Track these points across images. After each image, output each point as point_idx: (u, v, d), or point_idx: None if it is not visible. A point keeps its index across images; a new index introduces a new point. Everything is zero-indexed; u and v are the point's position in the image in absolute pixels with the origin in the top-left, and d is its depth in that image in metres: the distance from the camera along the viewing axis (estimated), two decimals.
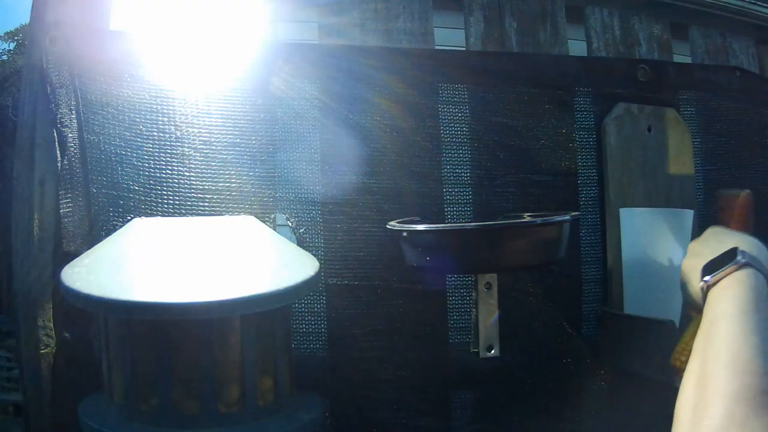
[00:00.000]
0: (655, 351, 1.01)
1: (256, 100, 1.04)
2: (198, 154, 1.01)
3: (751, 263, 0.63)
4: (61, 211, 0.96)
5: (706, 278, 0.65)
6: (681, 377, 0.60)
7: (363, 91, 1.08)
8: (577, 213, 1.12)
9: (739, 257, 0.63)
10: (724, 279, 0.63)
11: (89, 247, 0.89)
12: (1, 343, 3.78)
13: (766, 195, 1.23)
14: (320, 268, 0.84)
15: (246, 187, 1.02)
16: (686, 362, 0.61)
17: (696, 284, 0.68)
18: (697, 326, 0.76)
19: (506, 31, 1.21)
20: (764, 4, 1.51)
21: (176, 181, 1.00)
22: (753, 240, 0.69)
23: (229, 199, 1.02)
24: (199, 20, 1.07)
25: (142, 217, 0.91)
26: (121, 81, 0.99)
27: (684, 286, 0.76)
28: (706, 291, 0.65)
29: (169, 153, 1.00)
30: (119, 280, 0.76)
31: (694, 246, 0.77)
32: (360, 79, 1.08)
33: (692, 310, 0.78)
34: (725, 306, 0.61)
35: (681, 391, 0.58)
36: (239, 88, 1.03)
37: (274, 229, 1.01)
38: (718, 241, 0.72)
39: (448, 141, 1.11)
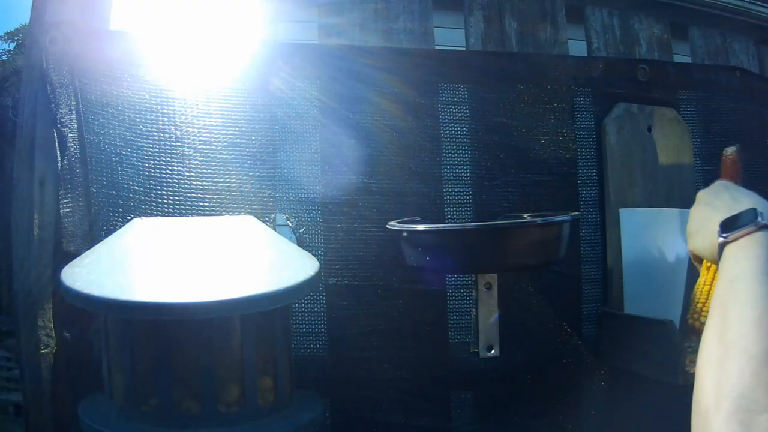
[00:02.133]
0: (655, 351, 1.01)
1: (256, 100, 1.04)
2: (198, 154, 1.01)
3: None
4: (61, 211, 0.96)
5: (725, 235, 0.65)
6: (696, 340, 0.60)
7: (363, 91, 1.08)
8: (577, 213, 1.12)
9: (759, 219, 0.63)
10: (744, 238, 0.63)
11: (89, 247, 0.89)
12: (1, 343, 3.78)
13: (766, 195, 1.23)
14: (320, 268, 0.84)
15: (246, 187, 1.02)
16: (703, 323, 0.61)
17: (710, 236, 0.69)
18: (706, 283, 0.75)
19: (506, 31, 1.21)
20: (764, 4, 1.51)
21: (176, 181, 1.00)
22: (765, 201, 0.70)
23: (229, 199, 1.02)
24: (199, 20, 1.07)
25: (142, 217, 0.91)
26: (121, 81, 0.99)
27: (692, 235, 0.76)
28: (722, 246, 0.65)
29: (169, 153, 1.00)
30: (119, 280, 0.76)
31: (704, 196, 0.77)
32: (360, 79, 1.08)
33: (697, 261, 0.77)
34: (746, 265, 0.61)
35: (702, 347, 0.58)
36: (239, 88, 1.03)
37: (274, 229, 1.01)
38: (732, 197, 0.71)
39: (448, 141, 1.11)
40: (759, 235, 0.62)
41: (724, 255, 0.64)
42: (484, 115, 1.13)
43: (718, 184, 0.78)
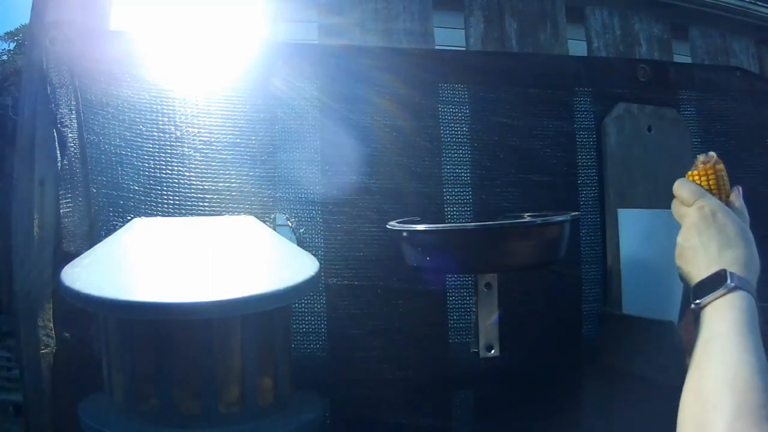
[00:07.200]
0: (655, 351, 1.01)
1: (256, 100, 1.04)
2: (198, 154, 1.01)
3: (740, 286, 0.66)
4: (61, 211, 0.96)
5: (698, 301, 0.68)
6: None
7: (363, 91, 1.08)
8: (577, 213, 1.12)
9: (728, 281, 0.66)
10: (717, 300, 0.66)
11: (89, 247, 0.89)
12: (1, 343, 3.78)
13: (766, 195, 1.23)
14: (320, 268, 0.84)
15: (246, 187, 1.02)
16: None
17: (695, 278, 0.71)
18: None
19: (506, 31, 1.21)
20: (764, 4, 1.51)
21: (176, 181, 1.00)
22: (745, 252, 0.70)
23: (229, 199, 1.02)
24: (199, 20, 1.07)
25: (142, 217, 0.91)
26: (121, 81, 0.99)
27: (681, 267, 0.77)
28: (698, 312, 0.68)
29: (169, 153, 1.00)
30: (119, 280, 0.76)
31: (696, 233, 0.76)
32: (360, 79, 1.08)
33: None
34: (719, 326, 0.64)
35: (681, 407, 0.61)
36: (239, 88, 1.03)
37: (274, 229, 1.01)
38: (718, 249, 0.71)
39: (448, 141, 1.11)
40: (731, 297, 0.65)
41: (701, 318, 0.67)
42: (484, 115, 1.13)
43: (712, 219, 0.76)
